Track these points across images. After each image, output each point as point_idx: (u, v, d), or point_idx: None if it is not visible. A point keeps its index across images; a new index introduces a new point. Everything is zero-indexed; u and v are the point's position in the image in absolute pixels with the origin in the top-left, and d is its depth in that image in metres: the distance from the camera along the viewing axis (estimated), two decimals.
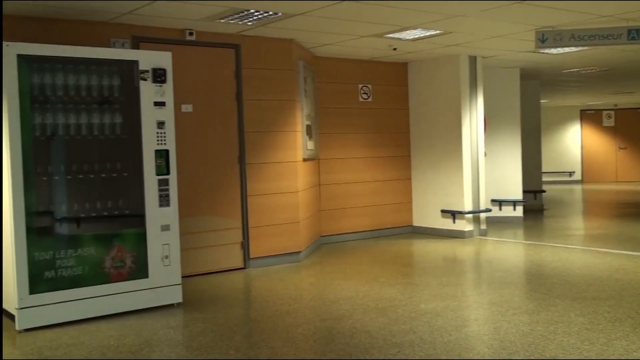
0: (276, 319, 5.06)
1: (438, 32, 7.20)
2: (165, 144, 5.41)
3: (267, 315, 5.20)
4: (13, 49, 4.80)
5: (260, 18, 6.25)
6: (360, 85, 9.06)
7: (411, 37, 7.47)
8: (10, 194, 4.79)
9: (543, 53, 8.92)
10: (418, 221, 9.56)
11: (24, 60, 4.85)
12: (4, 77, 4.76)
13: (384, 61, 9.20)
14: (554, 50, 8.71)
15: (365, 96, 9.11)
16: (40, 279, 4.88)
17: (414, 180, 9.58)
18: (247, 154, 7.06)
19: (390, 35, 7.34)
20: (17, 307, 4.81)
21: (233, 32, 6.85)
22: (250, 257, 7.10)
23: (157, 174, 5.38)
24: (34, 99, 4.96)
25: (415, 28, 6.99)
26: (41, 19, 5.81)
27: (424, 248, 8.36)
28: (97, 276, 5.11)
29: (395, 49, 8.10)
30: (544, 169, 13.78)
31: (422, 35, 7.35)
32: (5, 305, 5.13)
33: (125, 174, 5.40)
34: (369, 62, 9.11)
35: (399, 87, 9.50)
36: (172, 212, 5.44)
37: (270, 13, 6.07)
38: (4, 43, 4.77)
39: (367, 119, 9.12)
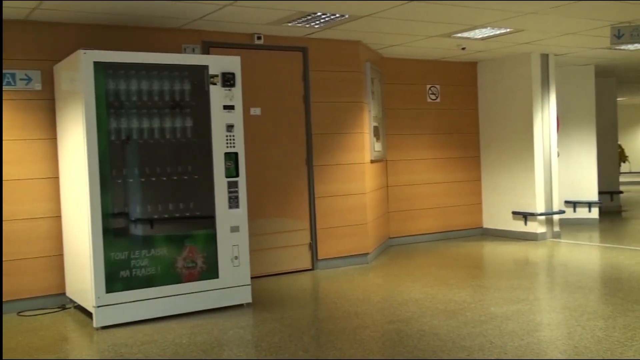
0: (344, 321, 5.06)
1: (508, 30, 7.05)
2: (234, 146, 5.50)
3: (335, 317, 5.21)
4: (90, 57, 4.98)
5: (327, 21, 6.28)
6: (428, 86, 8.97)
7: (480, 36, 7.35)
8: (88, 197, 4.97)
9: (619, 49, 8.60)
10: (488, 223, 9.38)
11: (100, 67, 5.03)
12: (82, 84, 4.95)
13: (452, 61, 9.08)
14: (630, 47, 8.39)
15: (433, 97, 9.01)
16: (116, 278, 5.05)
17: (484, 181, 9.41)
18: (315, 156, 7.11)
19: (459, 35, 7.24)
20: (94, 305, 4.99)
21: (300, 35, 6.91)
22: (318, 258, 7.14)
23: (227, 177, 5.47)
24: (110, 104, 5.14)
25: (484, 27, 6.87)
26: (116, 27, 6.01)
27: (494, 250, 8.20)
28: (170, 276, 5.25)
29: (463, 48, 7.98)
30: (621, 169, 13.28)
31: (491, 34, 7.22)
32: (83, 304, 5.33)
33: (196, 177, 5.52)
34: (437, 62, 9.01)
35: (468, 87, 9.35)
36: (241, 214, 5.53)
37: (337, 15, 6.09)
38: (82, 51, 4.96)
39: (435, 119, 9.02)
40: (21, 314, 5.54)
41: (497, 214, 9.24)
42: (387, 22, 6.45)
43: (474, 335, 4.51)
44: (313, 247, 7.12)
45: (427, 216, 8.94)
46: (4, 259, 5.55)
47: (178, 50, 6.29)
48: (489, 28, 6.94)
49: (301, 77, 7.07)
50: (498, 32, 7.13)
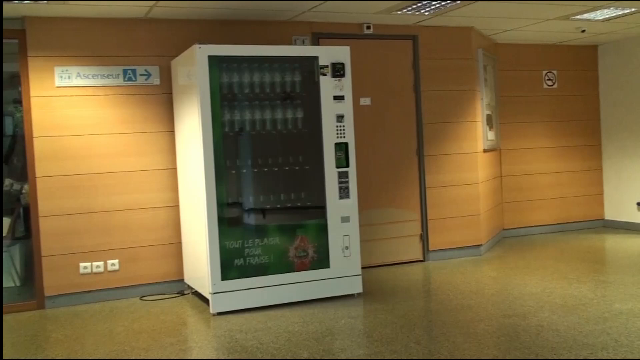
0: (457, 313, 4.95)
1: (633, 10, 6.61)
2: (344, 137, 5.50)
3: (448, 309, 5.10)
4: (205, 51, 5.13)
5: (438, 7, 6.13)
6: (545, 71, 8.59)
7: (602, 18, 6.93)
8: (204, 187, 5.13)
9: None
10: (611, 215, 8.87)
11: (214, 61, 5.17)
12: (198, 78, 5.10)
13: (570, 45, 8.64)
14: None
15: (549, 82, 8.62)
16: (230, 266, 5.19)
17: (606, 171, 8.91)
18: (426, 146, 6.99)
19: (578, 17, 6.86)
20: (210, 292, 5.15)
21: (410, 23, 6.80)
22: (430, 249, 7.02)
23: (337, 167, 5.48)
24: (223, 97, 5.27)
25: (607, 7, 6.48)
26: (229, 22, 6.15)
27: (618, 244, 7.75)
28: (282, 265, 5.33)
29: (583, 30, 7.57)
30: None
31: (614, 14, 6.79)
32: (200, 290, 5.52)
33: (306, 167, 5.57)
34: (554, 47, 8.61)
35: (588, 71, 8.87)
36: (351, 204, 5.53)
37: (449, 1, 5.94)
38: (197, 46, 5.11)
39: (551, 106, 8.63)
40: (143, 298, 5.82)
41: (620, 205, 8.72)
42: (501, 6, 6.22)
43: (596, 332, 4.28)
44: (424, 238, 7.01)
45: (544, 207, 8.58)
46: (129, 246, 5.85)
47: (288, 42, 6.36)
48: (612, 8, 6.53)
49: (411, 66, 6.96)
50: (621, 12, 6.70)
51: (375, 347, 4.22)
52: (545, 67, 8.60)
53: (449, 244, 7.10)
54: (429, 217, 7.00)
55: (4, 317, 5.44)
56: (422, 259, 7.02)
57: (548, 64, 8.62)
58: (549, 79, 8.62)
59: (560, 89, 8.68)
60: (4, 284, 6.51)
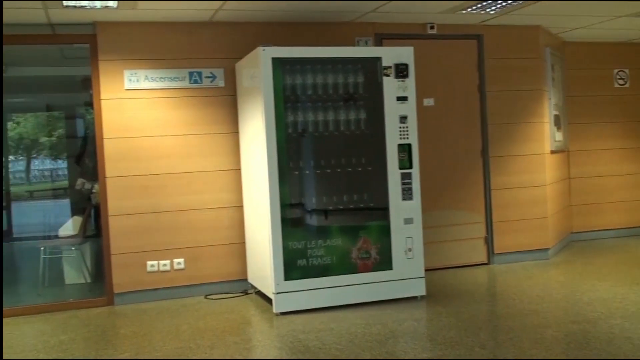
0: (523, 318, 4.83)
1: None
2: (407, 138, 5.45)
3: (514, 314, 4.99)
4: (268, 53, 5.18)
5: (504, 6, 6.01)
6: (616, 70, 8.30)
7: None
8: (267, 188, 5.17)
9: None
10: None
11: (277, 63, 5.21)
12: (262, 79, 5.16)
13: None
14: None
15: (621, 82, 8.33)
16: (293, 266, 5.22)
17: None
18: (491, 147, 6.86)
19: None
20: (274, 291, 5.19)
21: (475, 22, 6.69)
22: (495, 252, 6.88)
23: (400, 168, 5.44)
24: (287, 98, 5.30)
25: None
26: (292, 24, 6.20)
27: None
28: (345, 266, 5.32)
29: None
30: None
31: None
32: (263, 290, 5.57)
33: (369, 168, 5.55)
34: (625, 45, 8.32)
35: None
36: (415, 206, 5.47)
37: (514, 0, 5.82)
38: (261, 48, 5.16)
39: (623, 106, 8.33)
40: (208, 297, 5.92)
41: None
42: (570, 4, 6.04)
43: None
44: (489, 240, 6.88)
45: (615, 210, 8.29)
46: (195, 245, 5.96)
47: (351, 43, 6.35)
48: None
49: (476, 66, 6.84)
50: None
51: (439, 351, 4.16)
52: (617, 66, 8.31)
53: (515, 247, 6.94)
54: (494, 220, 6.87)
55: (76, 312, 5.63)
56: (486, 262, 6.89)
57: (619, 63, 8.33)
58: (621, 78, 8.33)
59: (633, 88, 8.37)
60: (76, 281, 6.76)
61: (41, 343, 4.78)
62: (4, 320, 5.47)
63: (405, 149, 5.45)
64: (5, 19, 5.42)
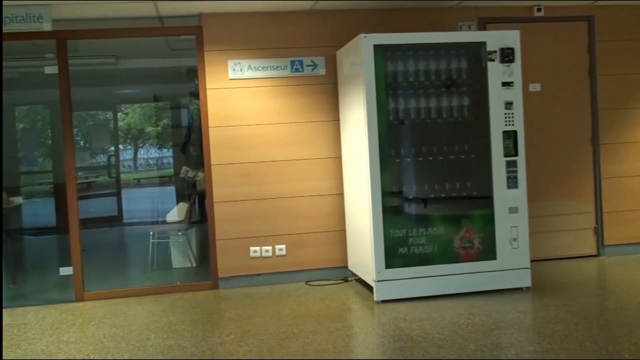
0: (638, 313, 4.59)
1: None
2: (513, 124, 5.29)
3: (628, 308, 4.75)
4: (370, 40, 5.15)
5: None
6: None
7: None
8: (369, 175, 5.16)
9: None
10: None
11: (379, 50, 5.18)
12: (363, 67, 5.14)
13: None
14: None
15: None
16: (394, 254, 5.19)
17: None
18: (602, 134, 6.54)
19: None
20: (374, 279, 5.18)
21: (585, 3, 6.39)
22: (605, 244, 6.57)
23: (505, 156, 5.29)
24: (388, 85, 5.26)
25: None
26: (392, 10, 6.14)
27: None
28: (447, 255, 5.24)
29: None
30: None
31: None
32: (363, 277, 5.58)
33: (472, 156, 5.42)
34: None
35: None
36: (520, 194, 5.31)
37: None
38: (363, 35, 5.14)
39: None
40: (309, 283, 5.99)
41: None
42: None
43: None
44: (599, 231, 6.58)
45: None
46: (296, 232, 6.04)
47: (453, 28, 6.22)
48: None
49: (586, 49, 6.53)
50: None
51: (547, 344, 4.02)
52: None
53: (627, 238, 6.60)
54: (604, 210, 6.55)
55: (183, 295, 5.85)
56: (596, 253, 6.59)
57: None
58: None
59: None
60: (182, 265, 7.01)
61: (152, 323, 4.99)
62: (117, 300, 5.76)
63: (510, 136, 5.29)
64: (116, 12, 5.67)
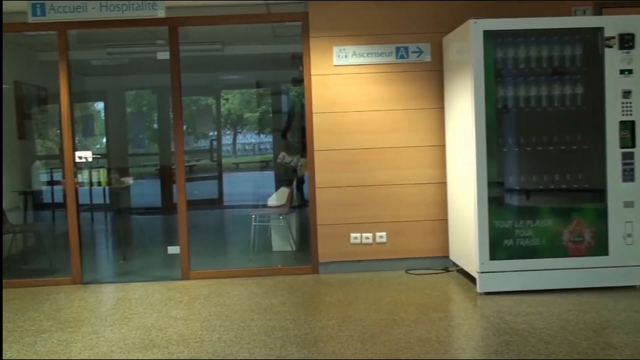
0: None
1: None
2: (631, 114, 5.03)
3: None
4: (480, 26, 5.02)
5: None
6: None
7: None
8: (474, 165, 5.05)
9: None
10: None
11: (489, 36, 5.04)
12: (472, 53, 5.02)
13: None
14: None
15: None
16: (499, 246, 5.07)
17: None
18: None
19: None
20: (478, 270, 5.08)
21: None
22: None
23: (621, 147, 5.04)
24: (497, 72, 5.12)
25: None
26: None
27: None
28: (555, 249, 5.07)
29: None
30: None
31: None
32: (466, 268, 5.49)
33: (584, 147, 5.21)
34: None
35: None
36: (636, 188, 5.06)
37: None
38: (472, 21, 5.02)
39: None
40: (409, 271, 5.95)
41: None
42: None
43: None
44: None
45: None
46: (396, 220, 6.01)
47: (567, 13, 5.96)
48: None
49: None
50: None
51: None
52: None
53: None
54: None
55: (284, 278, 5.95)
56: None
57: None
58: None
59: None
60: (282, 248, 7.13)
61: (255, 304, 5.11)
62: (220, 279, 5.94)
63: (627, 127, 5.04)
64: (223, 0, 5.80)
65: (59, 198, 8.51)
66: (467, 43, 5.12)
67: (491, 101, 5.06)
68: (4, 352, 4.19)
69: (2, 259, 6.09)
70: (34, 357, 4.07)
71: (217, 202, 11.24)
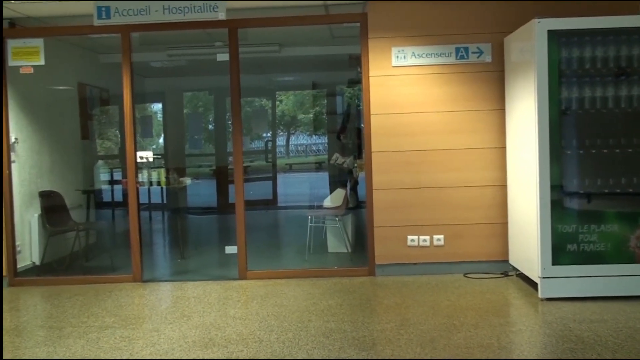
0: None
1: None
2: None
3: None
4: (544, 25, 4.91)
5: None
6: None
7: None
8: (537, 168, 4.94)
9: None
10: None
11: (553, 36, 4.93)
12: (535, 53, 4.91)
13: None
14: None
15: None
16: (562, 251, 4.94)
17: None
18: None
19: None
20: (539, 275, 4.97)
21: None
22: None
23: None
24: (561, 73, 5.00)
25: None
26: None
27: None
28: (621, 255, 4.92)
29: None
30: None
31: None
32: (526, 272, 5.37)
33: None
34: None
35: None
36: None
37: None
38: (536, 20, 4.92)
39: None
40: (467, 275, 5.86)
41: None
42: None
43: None
44: None
45: None
46: (455, 222, 5.94)
47: (634, 12, 5.77)
48: None
49: None
50: None
51: None
52: None
53: None
54: None
55: (340, 279, 5.94)
56: None
57: None
58: None
59: None
60: (337, 250, 7.11)
61: (312, 305, 5.11)
62: (277, 280, 5.96)
63: None
64: (283, 2, 5.82)
65: (118, 197, 8.72)
66: (530, 43, 5.02)
67: (554, 102, 4.94)
68: (69, 346, 4.30)
69: (2, 259, 6.15)
70: (97, 353, 4.16)
71: (271, 203, 11.33)
